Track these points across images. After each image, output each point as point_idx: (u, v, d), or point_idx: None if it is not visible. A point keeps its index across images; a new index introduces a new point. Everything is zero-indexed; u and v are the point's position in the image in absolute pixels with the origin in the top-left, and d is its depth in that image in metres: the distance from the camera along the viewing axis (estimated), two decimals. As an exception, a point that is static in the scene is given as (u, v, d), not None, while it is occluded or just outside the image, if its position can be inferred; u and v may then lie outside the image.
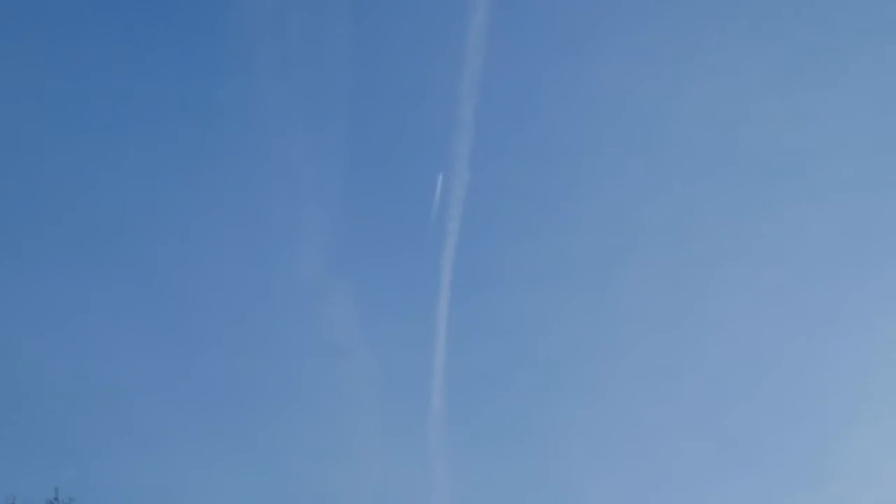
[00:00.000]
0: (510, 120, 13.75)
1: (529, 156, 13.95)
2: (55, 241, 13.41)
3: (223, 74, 13.58)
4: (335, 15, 13.20)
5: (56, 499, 8.55)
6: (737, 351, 13.20)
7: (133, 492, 11.15)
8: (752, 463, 13.07)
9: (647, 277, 13.55)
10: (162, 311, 13.07)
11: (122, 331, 13.15)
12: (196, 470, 11.98)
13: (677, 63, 13.99)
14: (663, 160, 13.82)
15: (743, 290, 13.34)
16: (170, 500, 11.62)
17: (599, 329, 13.22)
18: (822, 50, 14.14)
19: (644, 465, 13.21)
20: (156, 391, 13.05)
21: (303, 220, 13.08)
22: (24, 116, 13.73)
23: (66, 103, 13.73)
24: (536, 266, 13.55)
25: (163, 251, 13.53)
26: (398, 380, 13.49)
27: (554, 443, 13.40)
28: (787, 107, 13.72)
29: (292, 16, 13.65)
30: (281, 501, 12.39)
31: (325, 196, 13.22)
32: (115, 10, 13.37)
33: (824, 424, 13.03)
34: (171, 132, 13.47)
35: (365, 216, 13.65)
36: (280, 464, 12.70)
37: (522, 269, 13.59)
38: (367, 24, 13.58)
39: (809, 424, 12.87)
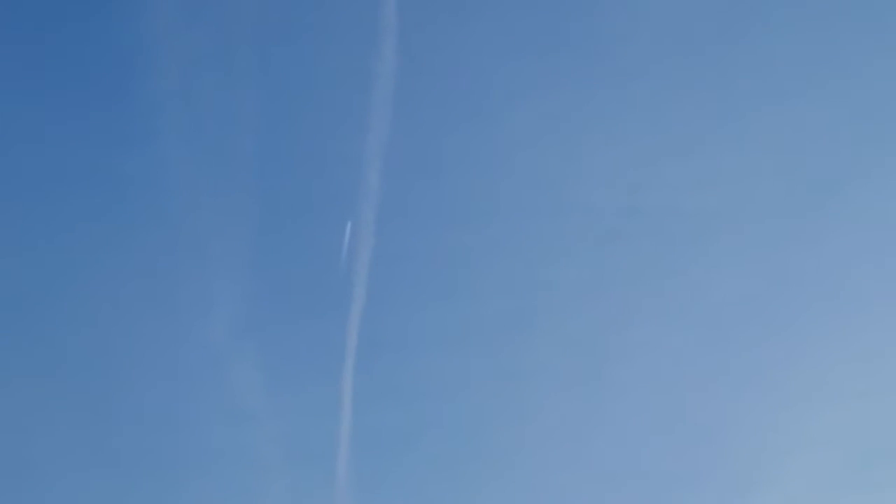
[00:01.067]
0: (416, 184, 13.95)
1: (435, 219, 14.12)
2: None
3: (127, 143, 13.68)
4: (241, 83, 13.40)
5: None
6: (643, 413, 13.39)
7: None
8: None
9: (553, 340, 13.66)
10: (66, 382, 13.06)
11: (24, 402, 13.19)
12: None
13: (582, 127, 14.31)
14: (568, 223, 14.06)
15: (649, 353, 13.50)
16: None
17: (507, 392, 13.27)
18: (723, 113, 14.59)
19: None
20: (61, 462, 13.03)
21: (209, 287, 13.12)
22: None
23: None
24: (443, 329, 13.61)
25: (66, 321, 13.56)
26: (304, 445, 13.41)
27: None
28: (689, 170, 14.07)
29: (198, 83, 13.83)
30: None
31: (231, 263, 13.26)
32: (12, 75, 13.62)
33: (729, 486, 13.23)
34: (73, 201, 13.60)
35: (272, 282, 13.69)
36: None
37: (429, 332, 13.63)
38: (274, 92, 13.85)
39: (714, 486, 13.08)
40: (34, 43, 15.33)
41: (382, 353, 12.79)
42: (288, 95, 15.28)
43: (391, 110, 13.24)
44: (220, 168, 13.51)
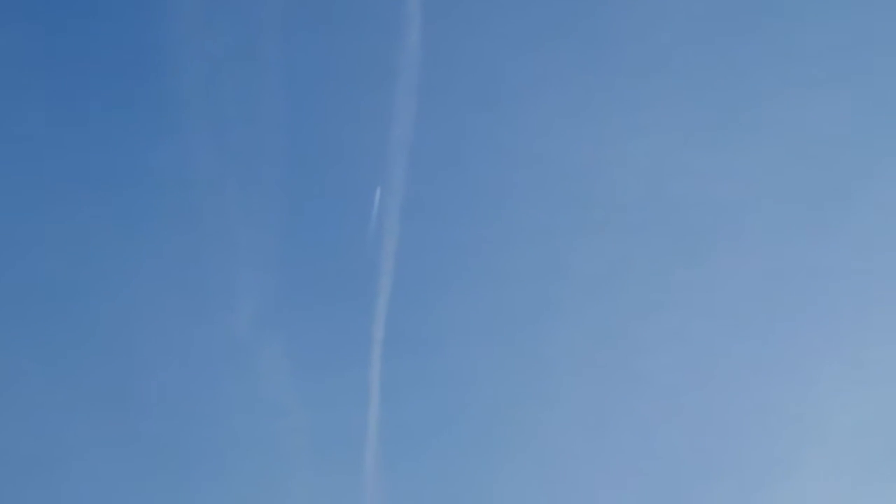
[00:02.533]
0: (441, 176, 14.17)
1: (460, 210, 14.33)
2: None
3: (155, 140, 13.91)
4: (267, 79, 13.60)
5: None
6: (665, 403, 13.51)
7: None
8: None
9: (577, 330, 13.80)
10: (94, 372, 13.28)
11: (52, 392, 13.41)
12: None
13: (606, 118, 14.50)
14: (593, 213, 14.23)
15: (671, 343, 13.61)
16: None
17: (532, 381, 13.41)
18: (744, 103, 14.77)
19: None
20: (87, 450, 13.24)
21: (235, 279, 13.30)
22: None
23: None
24: (469, 319, 13.76)
25: (98, 316, 13.81)
26: (331, 435, 13.64)
27: (487, 494, 13.63)
28: (711, 160, 14.25)
29: (224, 80, 14.05)
30: None
31: (257, 255, 13.45)
32: (40, 75, 13.89)
33: (758, 476, 13.30)
34: (104, 197, 13.83)
35: (298, 274, 13.87)
36: None
37: (455, 322, 13.78)
38: (299, 88, 14.04)
39: (742, 477, 13.15)
40: (61, 42, 15.72)
41: (409, 343, 12.94)
42: (311, 89, 15.54)
43: (414, 102, 13.36)
44: (245, 162, 13.74)
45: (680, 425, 13.89)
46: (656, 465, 13.69)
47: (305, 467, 12.49)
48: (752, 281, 14.79)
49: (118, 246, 15.01)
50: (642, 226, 14.29)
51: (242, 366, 13.29)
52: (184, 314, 14.03)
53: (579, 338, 14.15)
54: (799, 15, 14.84)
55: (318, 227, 14.24)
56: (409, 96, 13.54)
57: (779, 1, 15.29)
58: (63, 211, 14.83)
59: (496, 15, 15.29)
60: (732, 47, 15.50)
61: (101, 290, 14.73)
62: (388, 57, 13.37)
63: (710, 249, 14.78)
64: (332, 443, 12.73)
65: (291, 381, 13.01)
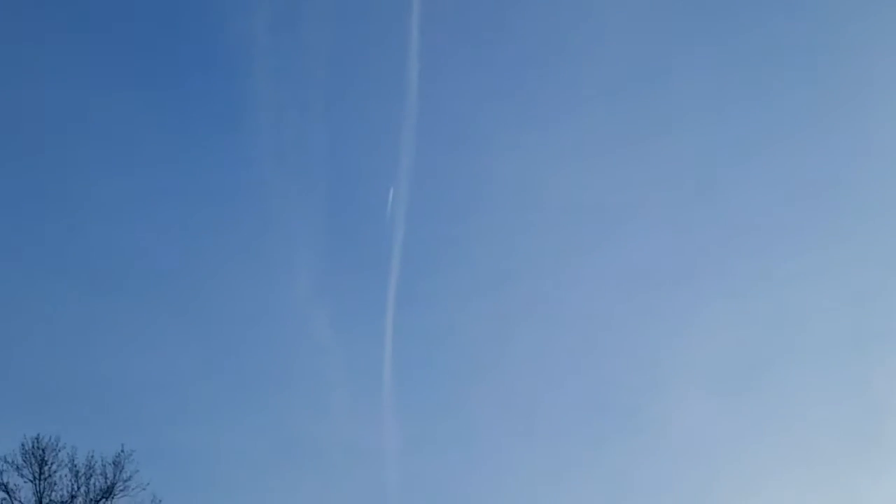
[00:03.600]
0: (438, 198, 21.13)
1: (449, 210, 21.08)
2: (114, 293, 20.43)
3: (235, 163, 20.21)
4: (316, 116, 20.01)
5: (122, 452, 12.81)
6: (574, 347, 21.10)
7: (181, 451, 17.41)
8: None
9: (525, 298, 20.84)
10: (200, 330, 19.58)
11: (171, 341, 19.83)
12: (225, 433, 18.38)
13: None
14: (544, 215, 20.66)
15: (576, 301, 20.62)
16: (206, 456, 18.08)
17: (497, 328, 20.07)
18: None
19: (540, 424, 20.10)
20: (195, 380, 19.61)
21: (295, 260, 19.88)
22: (73, 195, 21.04)
23: (118, 192, 21.29)
24: (452, 285, 21.54)
25: (197, 285, 20.15)
26: (361, 365, 20.33)
27: (474, 408, 20.03)
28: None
29: (286, 120, 20.55)
30: (283, 448, 18.86)
31: (309, 243, 20.15)
32: (146, 112, 20.03)
33: (625, 409, 22.54)
34: (201, 205, 20.30)
35: (337, 255, 20.41)
36: (282, 424, 19.22)
37: (443, 287, 21.87)
38: (338, 123, 20.42)
39: (614, 411, 21.83)
40: (174, 94, 22.24)
41: (412, 302, 20.41)
42: (349, 129, 22.68)
43: (416, 140, 19.87)
44: (301, 181, 20.29)
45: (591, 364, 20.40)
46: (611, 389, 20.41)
47: (342, 387, 18.83)
48: (631, 262, 21.66)
49: (212, 240, 21.80)
50: (565, 218, 21.26)
51: (298, 317, 19.75)
52: (260, 282, 20.52)
53: (522, 305, 21.43)
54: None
55: (349, 222, 20.77)
56: (413, 114, 19.40)
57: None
58: (176, 209, 21.59)
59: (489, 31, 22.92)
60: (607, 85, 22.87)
61: (197, 267, 21.46)
62: (400, 72, 19.56)
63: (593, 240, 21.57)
64: (360, 370, 19.20)
65: (331, 328, 19.29)
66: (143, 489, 12.03)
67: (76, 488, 11.75)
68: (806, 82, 20.51)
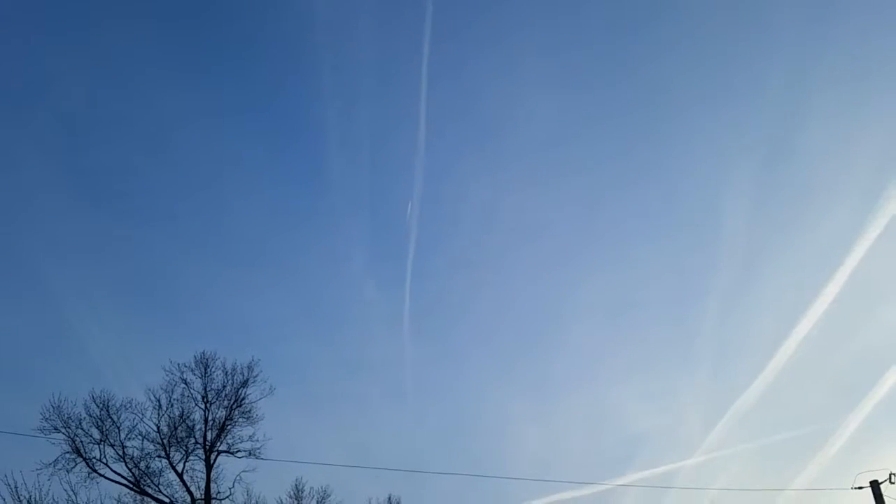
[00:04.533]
0: (436, 212, 31.06)
1: (450, 225, 31.41)
2: (245, 266, 30.18)
3: (317, 194, 29.74)
4: (364, 165, 30.63)
5: (252, 360, 21.82)
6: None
7: (285, 361, 27.12)
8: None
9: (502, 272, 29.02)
10: (295, 290, 29.76)
11: (278, 297, 28.56)
12: (309, 351, 31.63)
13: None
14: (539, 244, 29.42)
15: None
16: (297, 365, 28.09)
17: (472, 290, 29.18)
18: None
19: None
20: (292, 319, 28.89)
21: (352, 249, 29.22)
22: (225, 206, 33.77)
23: (252, 209, 36.36)
24: (448, 263, 30.39)
25: (293, 263, 30.77)
26: (392, 311, 29.34)
27: (453, 335, 30.36)
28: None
29: (346, 168, 29.83)
30: (344, 362, 31.45)
31: (361, 239, 30.20)
32: (273, 160, 29.17)
33: (529, 340, 36.17)
34: (300, 220, 30.45)
35: (377, 246, 29.90)
36: (343, 347, 34.28)
37: (437, 266, 31.41)
38: (377, 170, 30.43)
39: (521, 340, 32.12)
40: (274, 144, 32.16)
41: (421, 274, 29.50)
42: (387, 173, 31.64)
43: (426, 170, 29.17)
44: (353, 193, 29.91)
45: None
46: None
47: (380, 324, 29.56)
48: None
49: (307, 238, 33.49)
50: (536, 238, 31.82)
51: (354, 283, 30.42)
52: (332, 262, 31.75)
53: (483, 278, 33.74)
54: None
55: (383, 220, 29.90)
56: (421, 174, 28.70)
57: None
58: (286, 223, 35.38)
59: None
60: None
61: (298, 256, 32.34)
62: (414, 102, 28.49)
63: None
64: (391, 315, 28.86)
65: (374, 289, 28.40)
66: (265, 381, 19.37)
67: (226, 381, 19.07)
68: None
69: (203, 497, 19.46)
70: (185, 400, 20.00)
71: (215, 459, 19.89)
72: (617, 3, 33.63)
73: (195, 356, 20.18)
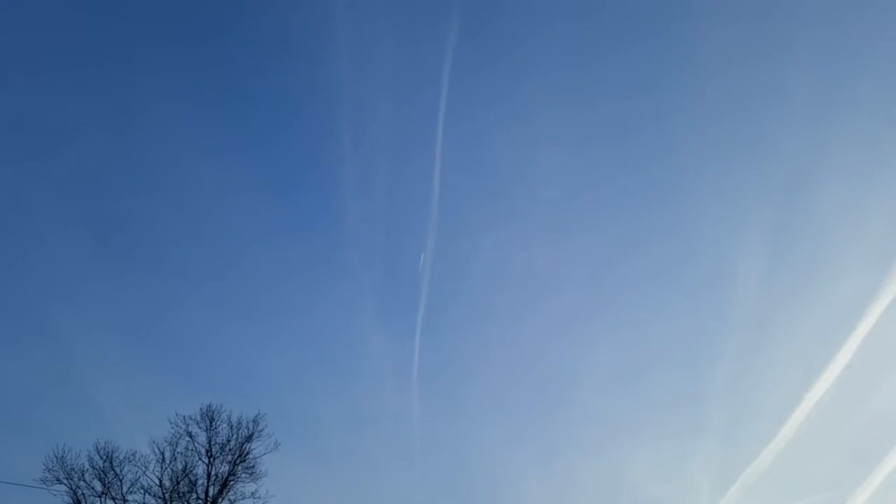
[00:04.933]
0: (447, 265, 31.78)
1: (461, 278, 31.10)
2: (259, 320, 30.21)
3: (333, 247, 30.84)
4: (380, 221, 31.78)
5: (258, 413, 21.66)
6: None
7: (293, 413, 26.62)
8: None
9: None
10: (307, 340, 29.04)
11: (290, 346, 28.93)
12: (318, 403, 30.95)
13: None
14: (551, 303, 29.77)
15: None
16: (306, 417, 27.97)
17: (483, 346, 29.77)
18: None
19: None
20: (303, 370, 28.44)
21: (364, 301, 29.91)
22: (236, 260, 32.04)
23: (269, 261, 35.26)
24: (453, 320, 30.33)
25: (307, 313, 31.96)
26: (400, 365, 29.46)
27: (461, 393, 29.91)
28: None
29: (361, 223, 30.62)
30: (352, 415, 30.05)
31: (373, 291, 30.75)
32: (283, 214, 29.72)
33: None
34: (316, 273, 30.82)
35: (388, 299, 30.31)
36: (352, 399, 32.40)
37: (448, 321, 32.05)
38: (392, 225, 30.95)
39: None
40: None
41: (432, 328, 30.41)
42: (397, 219, 32.43)
43: (438, 220, 29.42)
44: (366, 246, 30.12)
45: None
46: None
47: (388, 378, 30.43)
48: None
49: (322, 289, 35.27)
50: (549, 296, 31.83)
51: (364, 335, 31.87)
52: (344, 314, 32.92)
53: (494, 333, 35.75)
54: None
55: (395, 272, 30.05)
56: (434, 231, 28.93)
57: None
58: (302, 277, 34.30)
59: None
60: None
61: (312, 308, 33.96)
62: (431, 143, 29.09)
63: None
64: (399, 368, 29.76)
65: (383, 342, 29.10)
66: (270, 436, 19.13)
67: (231, 435, 18.87)
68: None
69: (204, 553, 19.27)
70: (189, 454, 20.08)
71: (217, 516, 19.70)
72: (631, 62, 33.91)
73: (201, 409, 20.31)
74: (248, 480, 19.99)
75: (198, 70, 35.11)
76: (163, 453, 19.66)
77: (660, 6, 33.66)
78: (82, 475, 18.97)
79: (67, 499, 18.74)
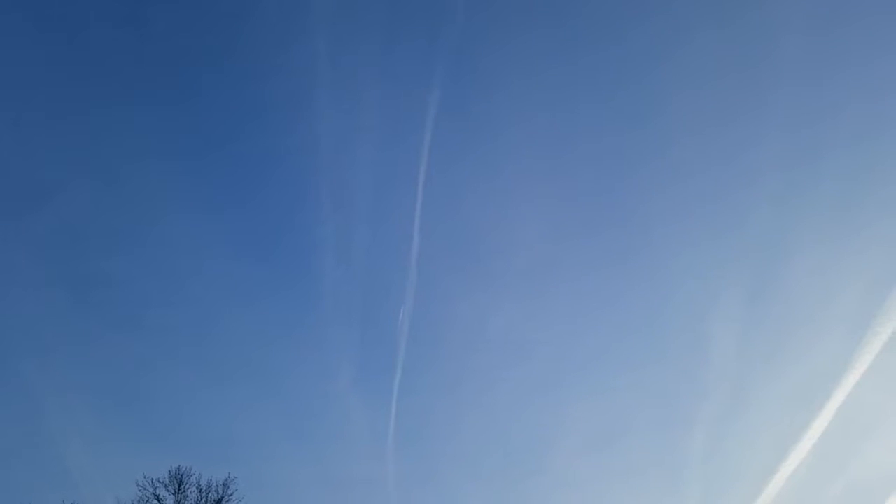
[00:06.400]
0: (426, 322, 33.30)
1: (441, 339, 31.99)
2: (231, 382, 30.66)
3: (307, 306, 30.94)
4: (357, 277, 31.42)
5: (228, 476, 21.29)
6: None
7: (266, 477, 26.54)
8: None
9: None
10: (281, 403, 31.68)
11: (263, 411, 28.21)
12: (292, 466, 31.62)
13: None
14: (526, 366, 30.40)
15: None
16: (281, 481, 27.44)
17: (461, 409, 29.91)
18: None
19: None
20: (276, 435, 28.00)
21: (341, 362, 29.29)
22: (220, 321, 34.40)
23: (248, 321, 36.59)
24: (431, 383, 30.71)
25: (281, 375, 31.86)
26: (376, 427, 28.65)
27: (440, 454, 29.40)
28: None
29: (339, 281, 30.86)
30: (329, 480, 30.73)
31: (350, 351, 30.09)
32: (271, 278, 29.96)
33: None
34: (289, 330, 30.70)
35: (365, 358, 30.13)
36: (331, 462, 31.88)
37: (425, 383, 33.14)
38: (370, 281, 31.11)
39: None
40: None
41: (410, 390, 31.80)
42: (375, 276, 32.49)
43: (417, 283, 29.78)
44: (345, 304, 30.69)
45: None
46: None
47: (364, 440, 30.86)
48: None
49: (296, 351, 36.33)
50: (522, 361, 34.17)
51: (340, 398, 32.39)
52: (320, 375, 32.99)
53: (473, 395, 36.60)
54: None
55: (372, 335, 30.43)
56: (413, 288, 29.04)
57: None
58: (277, 338, 36.36)
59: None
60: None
61: (286, 369, 35.46)
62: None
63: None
64: (375, 431, 30.11)
65: (360, 404, 29.08)
66: (240, 500, 18.85)
67: (200, 499, 18.48)
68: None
69: None
70: (156, 517, 19.53)
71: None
72: (607, 134, 35.40)
73: (169, 471, 20.00)
74: (216, 545, 19.57)
75: (178, 130, 36.30)
76: (129, 516, 19.18)
77: (631, 84, 35.27)
78: (46, 540, 18.56)
79: (29, 565, 18.31)
